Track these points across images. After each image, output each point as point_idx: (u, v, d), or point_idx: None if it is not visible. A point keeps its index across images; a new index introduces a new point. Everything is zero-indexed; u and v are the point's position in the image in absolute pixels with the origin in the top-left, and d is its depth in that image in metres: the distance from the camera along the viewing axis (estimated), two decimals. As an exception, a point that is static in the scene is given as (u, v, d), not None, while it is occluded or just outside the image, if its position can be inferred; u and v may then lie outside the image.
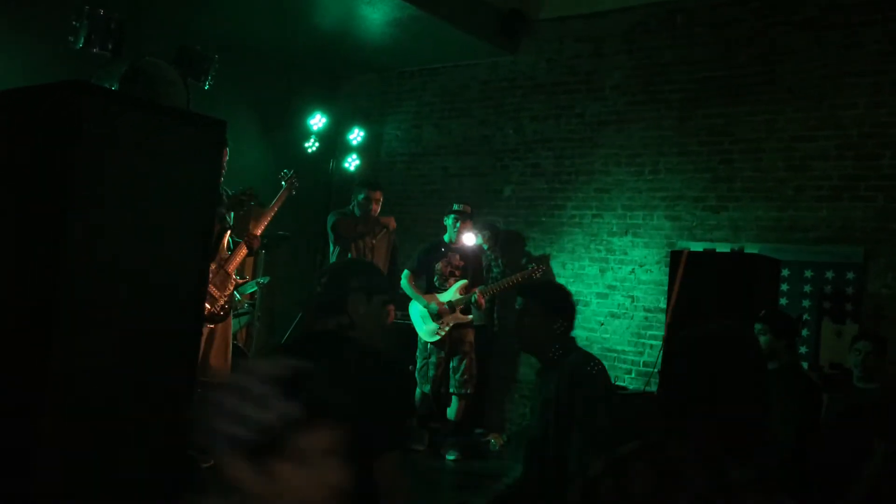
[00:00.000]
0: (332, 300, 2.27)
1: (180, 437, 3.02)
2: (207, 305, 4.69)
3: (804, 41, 5.83)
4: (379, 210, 5.78)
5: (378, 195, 5.75)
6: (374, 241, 5.75)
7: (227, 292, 4.91)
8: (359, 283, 2.29)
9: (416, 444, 5.84)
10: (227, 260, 4.95)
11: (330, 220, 5.83)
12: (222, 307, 4.86)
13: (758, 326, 3.89)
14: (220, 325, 4.85)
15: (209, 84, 4.92)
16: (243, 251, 5.08)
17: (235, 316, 5.26)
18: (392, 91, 8.21)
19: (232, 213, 5.02)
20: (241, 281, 5.33)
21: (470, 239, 6.09)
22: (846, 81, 5.65)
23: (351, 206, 5.82)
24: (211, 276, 4.78)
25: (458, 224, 6.02)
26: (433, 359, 5.83)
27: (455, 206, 6.19)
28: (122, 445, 2.90)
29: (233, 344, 5.12)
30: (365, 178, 6.42)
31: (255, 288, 6.49)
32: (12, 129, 2.99)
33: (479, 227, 6.37)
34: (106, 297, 2.85)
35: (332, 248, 5.83)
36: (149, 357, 2.97)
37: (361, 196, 5.69)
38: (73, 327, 2.75)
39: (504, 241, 6.99)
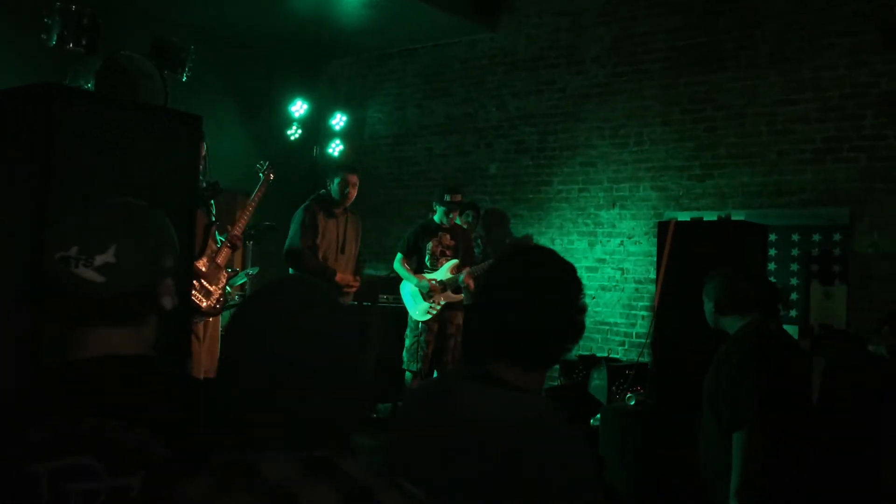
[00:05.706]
0: None
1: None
2: (203, 300, 4.67)
3: (784, 4, 5.81)
4: (356, 195, 5.59)
5: (355, 179, 5.54)
6: (345, 234, 5.49)
7: (221, 285, 4.87)
8: None
9: None
10: (217, 252, 4.92)
11: (301, 214, 5.43)
12: (217, 300, 4.83)
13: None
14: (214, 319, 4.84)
15: (186, 75, 4.85)
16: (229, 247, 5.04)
17: (226, 308, 5.24)
18: (372, 74, 8.15)
19: (214, 208, 4.97)
20: (232, 273, 5.29)
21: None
22: (825, 43, 5.64)
23: (325, 191, 5.55)
24: (204, 270, 4.75)
25: (450, 215, 5.85)
26: (424, 337, 5.84)
27: (446, 198, 5.86)
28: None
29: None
30: (340, 163, 6.16)
31: (245, 279, 6.47)
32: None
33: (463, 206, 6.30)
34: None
35: (295, 233, 5.41)
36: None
37: (337, 180, 5.49)
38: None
39: (488, 221, 6.98)
